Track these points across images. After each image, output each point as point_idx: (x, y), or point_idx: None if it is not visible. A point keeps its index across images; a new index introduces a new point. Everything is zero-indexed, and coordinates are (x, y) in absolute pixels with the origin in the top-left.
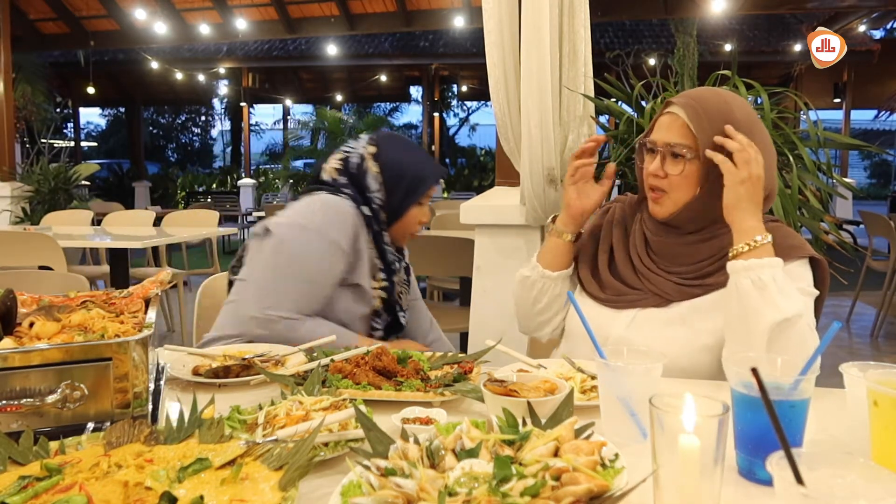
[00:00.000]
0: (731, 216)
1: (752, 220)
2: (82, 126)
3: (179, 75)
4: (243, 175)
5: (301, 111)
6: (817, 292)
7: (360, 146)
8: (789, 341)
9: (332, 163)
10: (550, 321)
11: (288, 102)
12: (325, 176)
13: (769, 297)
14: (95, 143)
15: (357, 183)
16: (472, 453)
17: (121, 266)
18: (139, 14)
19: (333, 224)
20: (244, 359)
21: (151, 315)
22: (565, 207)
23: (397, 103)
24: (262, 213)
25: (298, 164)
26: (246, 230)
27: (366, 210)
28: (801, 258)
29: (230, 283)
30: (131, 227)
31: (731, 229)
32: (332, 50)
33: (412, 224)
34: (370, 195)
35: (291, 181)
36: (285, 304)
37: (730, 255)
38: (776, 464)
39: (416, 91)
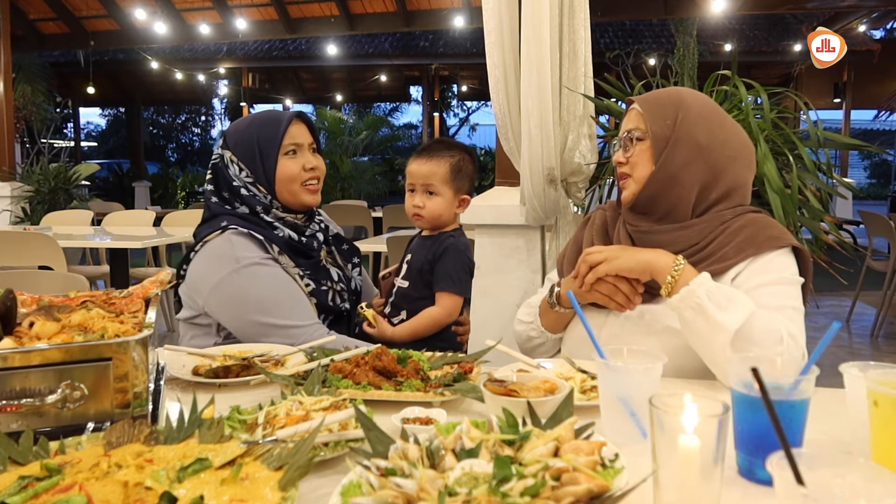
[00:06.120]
0: (645, 274)
1: (658, 260)
2: (82, 126)
3: (179, 75)
4: None
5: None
6: (802, 279)
7: (217, 148)
8: (752, 343)
9: (208, 175)
10: (548, 351)
11: (288, 102)
12: (207, 193)
13: (711, 317)
14: (95, 143)
15: (223, 181)
16: (472, 453)
17: (121, 266)
18: (139, 14)
19: (238, 251)
20: (244, 359)
21: (151, 315)
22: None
23: (397, 103)
24: None
25: None
26: None
27: (241, 208)
28: (783, 247)
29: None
30: (131, 227)
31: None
32: (332, 50)
33: (292, 176)
34: (237, 184)
35: None
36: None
37: (663, 294)
38: (776, 464)
39: (416, 91)
